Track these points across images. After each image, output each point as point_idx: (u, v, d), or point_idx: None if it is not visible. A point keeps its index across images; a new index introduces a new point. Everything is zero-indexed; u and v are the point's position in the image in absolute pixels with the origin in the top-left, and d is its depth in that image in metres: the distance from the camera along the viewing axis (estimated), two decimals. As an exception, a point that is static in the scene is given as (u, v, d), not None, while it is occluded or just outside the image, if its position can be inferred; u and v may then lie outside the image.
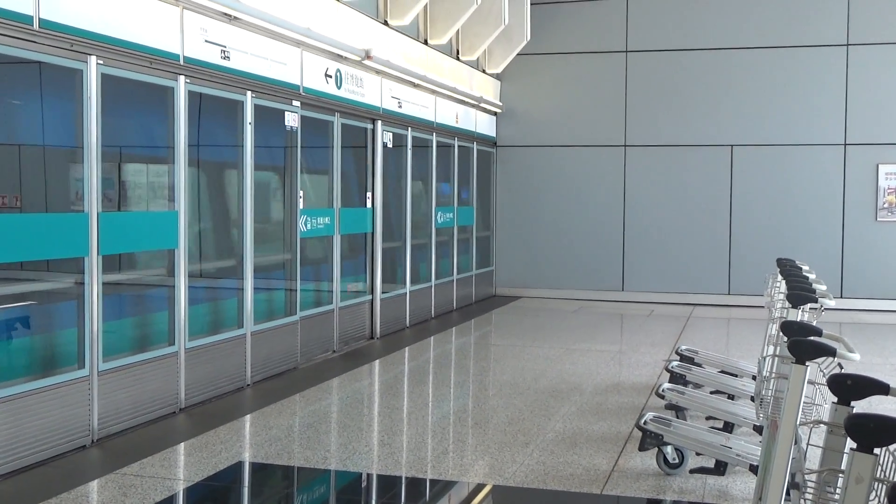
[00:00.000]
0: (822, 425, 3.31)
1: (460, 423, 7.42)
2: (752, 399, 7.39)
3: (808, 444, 3.73)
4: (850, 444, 2.58)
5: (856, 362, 3.97)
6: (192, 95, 7.53)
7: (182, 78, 7.38)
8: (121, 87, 6.82)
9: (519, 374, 9.25)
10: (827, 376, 3.28)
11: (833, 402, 3.08)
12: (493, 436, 6.85)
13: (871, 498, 2.51)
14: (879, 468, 2.54)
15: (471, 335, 12.41)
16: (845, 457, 2.87)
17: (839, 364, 3.78)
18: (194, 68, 7.49)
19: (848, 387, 2.95)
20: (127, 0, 6.70)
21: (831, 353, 3.66)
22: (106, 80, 6.49)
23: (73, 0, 6.17)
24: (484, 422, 7.37)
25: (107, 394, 6.54)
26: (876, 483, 2.50)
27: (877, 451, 2.52)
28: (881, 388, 2.94)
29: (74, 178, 6.49)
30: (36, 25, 5.83)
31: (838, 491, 2.84)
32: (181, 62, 7.33)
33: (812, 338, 3.83)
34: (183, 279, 7.45)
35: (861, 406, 2.99)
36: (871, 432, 2.45)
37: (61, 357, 6.57)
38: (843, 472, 2.72)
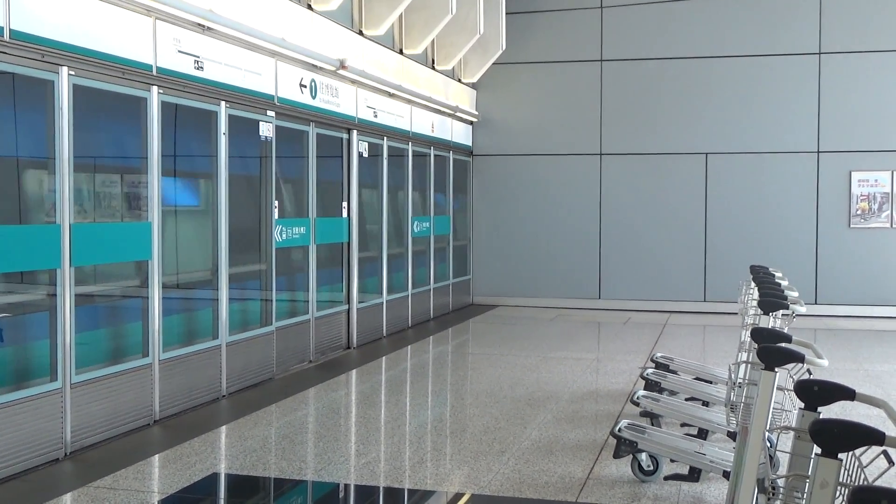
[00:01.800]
0: (790, 431, 3.33)
1: (437, 432, 7.42)
2: (725, 405, 7.44)
3: (776, 449, 3.76)
4: (816, 449, 2.61)
5: (825, 368, 4.01)
6: (165, 106, 7.50)
7: (155, 88, 7.36)
8: (93, 98, 6.79)
9: (496, 382, 9.26)
10: (795, 382, 3.31)
11: (800, 408, 3.11)
12: (470, 445, 6.85)
13: (836, 502, 2.54)
14: (844, 473, 2.56)
15: (448, 344, 12.41)
16: (812, 462, 2.90)
17: (808, 370, 3.82)
18: (167, 79, 7.47)
19: (814, 392, 2.98)
20: (99, 10, 6.68)
21: (800, 359, 3.69)
22: (78, 90, 6.46)
23: (44, 11, 6.14)
24: (460, 431, 7.37)
25: (80, 406, 6.50)
26: (841, 487, 2.52)
27: (841, 455, 2.54)
28: (847, 394, 2.96)
29: (47, 190, 6.45)
30: (6, 36, 5.80)
31: (805, 496, 2.87)
32: (154, 73, 7.31)
33: (781, 344, 3.86)
34: (157, 290, 7.42)
35: (831, 411, 3.02)
36: (835, 437, 2.47)
37: (33, 369, 6.52)
38: (809, 476, 2.74)
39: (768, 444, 4.08)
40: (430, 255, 14.22)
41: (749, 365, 4.80)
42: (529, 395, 8.65)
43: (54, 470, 6.14)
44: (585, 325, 14.05)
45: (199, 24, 7.87)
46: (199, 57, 7.90)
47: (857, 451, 2.58)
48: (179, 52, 7.63)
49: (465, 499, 5.67)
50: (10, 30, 5.82)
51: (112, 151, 7.82)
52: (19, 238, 6.08)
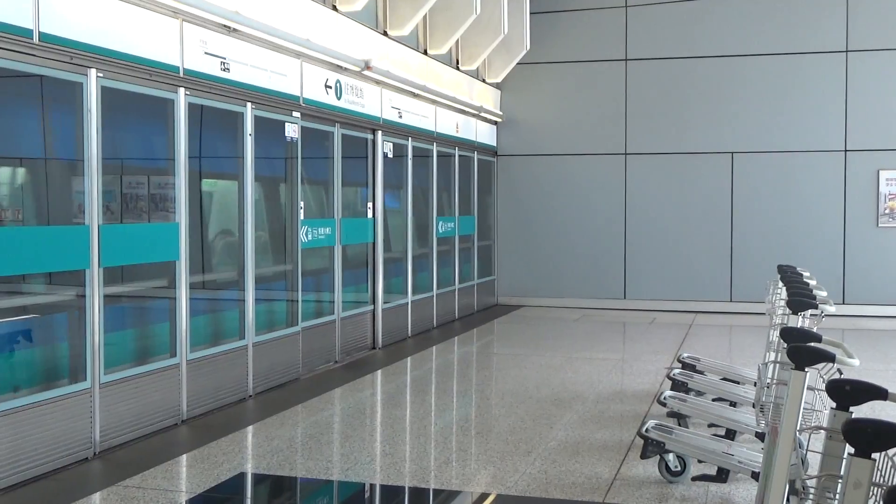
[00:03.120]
0: (821, 431, 3.31)
1: (463, 432, 7.42)
2: (754, 406, 7.40)
3: (807, 449, 3.73)
4: (849, 449, 2.58)
5: (855, 368, 3.98)
6: (192, 107, 7.55)
7: (182, 90, 7.40)
8: (121, 100, 6.84)
9: (521, 382, 9.25)
10: (826, 382, 3.28)
11: (831, 408, 3.08)
12: (496, 445, 6.85)
13: (870, 502, 2.51)
14: (877, 473, 2.54)
15: (473, 344, 12.41)
16: (844, 462, 2.88)
17: (838, 370, 3.78)
18: (194, 80, 7.52)
19: (846, 392, 2.96)
20: (126, 13, 6.73)
21: (830, 358, 3.66)
22: (106, 92, 6.51)
23: (72, 13, 6.20)
24: (486, 431, 7.37)
25: (109, 406, 6.55)
26: (874, 488, 2.50)
27: (874, 455, 2.52)
28: (879, 394, 2.94)
29: (75, 191, 6.50)
30: (36, 39, 5.85)
31: (837, 496, 2.84)
32: (181, 74, 7.36)
33: (811, 344, 3.83)
34: (184, 291, 7.46)
35: (861, 411, 2.99)
36: (868, 437, 2.45)
37: (63, 369, 6.58)
38: (842, 477, 2.72)
39: (798, 445, 4.05)
40: (455, 256, 14.22)
41: (778, 365, 4.77)
42: (555, 395, 8.64)
43: (83, 469, 6.19)
44: (611, 326, 14.00)
45: (226, 26, 7.91)
46: (225, 58, 7.94)
47: (891, 452, 2.56)
48: (206, 53, 7.68)
49: (490, 499, 5.67)
50: (39, 32, 5.87)
51: (140, 153, 7.88)
52: (49, 239, 6.14)
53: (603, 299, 15.76)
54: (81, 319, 6.41)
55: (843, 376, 3.46)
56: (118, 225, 6.94)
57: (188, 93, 7.47)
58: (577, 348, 11.56)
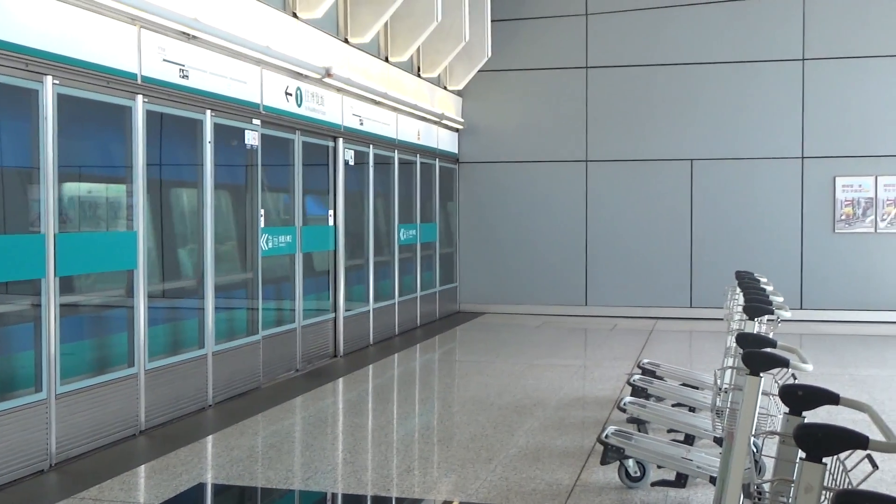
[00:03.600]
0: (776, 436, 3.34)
1: (424, 440, 7.41)
2: (711, 411, 7.46)
3: (762, 454, 3.77)
4: (801, 453, 2.62)
5: (810, 373, 4.03)
6: (150, 115, 7.49)
7: (140, 97, 7.34)
8: (78, 107, 6.77)
9: (483, 389, 9.26)
10: (780, 387, 3.32)
11: (784, 413, 3.12)
12: (457, 452, 6.85)
13: (821, 507, 2.55)
14: (829, 477, 2.57)
15: (435, 352, 12.41)
16: (797, 466, 2.91)
17: (793, 375, 3.83)
18: (152, 87, 7.46)
19: (799, 397, 2.99)
20: (83, 19, 6.66)
21: (784, 363, 3.71)
22: (62, 100, 6.44)
23: (28, 19, 6.12)
24: (448, 438, 7.37)
25: (65, 417, 6.46)
26: (825, 492, 2.53)
27: (826, 459, 2.55)
28: (831, 398, 2.98)
29: (31, 199, 6.42)
30: (-10, 46, 5.78)
31: (790, 500, 2.88)
32: (139, 81, 7.30)
33: (766, 349, 3.87)
34: (142, 299, 7.39)
35: (816, 416, 3.03)
36: (819, 442, 2.49)
37: (18, 380, 6.48)
38: (794, 481, 2.75)
39: (754, 449, 4.09)
40: (417, 263, 14.22)
41: (734, 370, 4.82)
42: (517, 402, 8.65)
43: (39, 481, 6.10)
44: (572, 332, 14.07)
45: (184, 33, 7.86)
46: (184, 65, 7.88)
47: (842, 456, 2.59)
48: (164, 60, 7.62)
49: (452, 506, 5.67)
50: (-7, 39, 5.80)
51: (97, 160, 7.79)
52: (3, 248, 6.05)
53: (564, 306, 15.83)
54: (37, 329, 6.32)
55: (797, 381, 3.50)
56: (75, 234, 6.86)
57: (146, 100, 7.41)
58: (539, 355, 11.60)
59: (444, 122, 15.26)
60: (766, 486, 3.19)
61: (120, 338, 7.46)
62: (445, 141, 15.63)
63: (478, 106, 16.26)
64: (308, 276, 10.55)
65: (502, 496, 5.78)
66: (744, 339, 4.17)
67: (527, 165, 16.03)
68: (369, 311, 12.30)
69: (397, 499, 5.87)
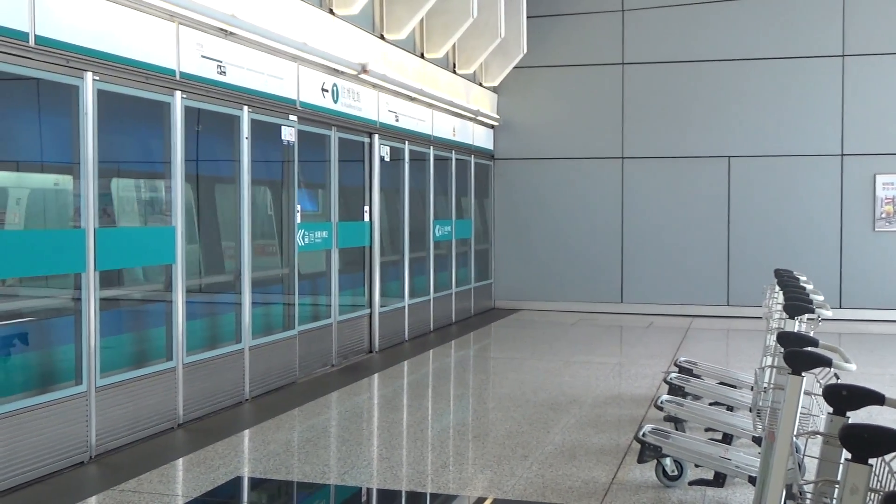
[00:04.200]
0: (818, 436, 3.30)
1: (459, 436, 7.41)
2: (751, 410, 7.39)
3: (804, 454, 3.72)
4: (846, 454, 2.58)
5: (852, 372, 3.97)
6: (188, 111, 7.54)
7: (178, 93, 7.39)
8: (117, 103, 6.83)
9: (518, 386, 9.24)
10: (823, 387, 3.28)
11: (828, 413, 3.08)
12: (493, 449, 6.84)
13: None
14: (874, 478, 2.53)
15: (470, 348, 12.40)
16: (841, 467, 2.87)
17: (835, 374, 3.78)
18: (190, 83, 7.51)
19: (843, 397, 2.95)
20: (123, 16, 6.72)
21: (827, 363, 3.66)
22: (102, 95, 6.50)
23: (68, 16, 6.18)
24: (483, 435, 7.36)
25: (105, 410, 6.53)
26: (871, 493, 2.49)
27: (871, 461, 2.51)
28: (876, 399, 2.93)
29: (72, 194, 6.49)
30: (32, 42, 5.84)
31: (835, 501, 2.84)
32: (177, 77, 7.35)
33: (808, 348, 3.82)
34: (180, 294, 7.45)
35: (859, 416, 2.99)
36: (865, 443, 2.45)
37: (59, 373, 6.56)
38: (838, 482, 2.71)
39: (795, 450, 4.04)
40: (452, 259, 14.22)
41: (775, 369, 4.76)
42: (552, 399, 8.63)
43: (79, 473, 6.17)
44: (608, 329, 14.00)
45: (222, 29, 7.91)
46: (221, 62, 7.93)
47: (888, 457, 2.56)
48: (202, 56, 7.67)
49: (487, 503, 5.66)
50: (35, 35, 5.86)
51: (136, 156, 7.87)
52: (45, 242, 6.12)
53: (600, 303, 15.76)
54: (77, 323, 6.39)
55: (839, 381, 3.46)
56: (114, 228, 6.93)
57: (185, 96, 7.46)
58: (575, 352, 11.56)
59: (480, 118, 15.24)
60: (808, 487, 3.15)
61: (158, 332, 7.52)
62: (481, 137, 15.61)
63: (513, 102, 16.22)
64: (344, 272, 10.58)
65: (538, 493, 5.76)
66: (785, 338, 4.12)
67: (562, 162, 15.97)
68: (405, 307, 12.32)
69: (432, 494, 5.87)
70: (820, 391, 3.47)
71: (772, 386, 4.74)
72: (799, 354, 3.67)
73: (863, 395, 2.93)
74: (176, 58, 7.32)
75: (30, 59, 5.86)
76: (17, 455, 5.76)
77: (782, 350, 4.03)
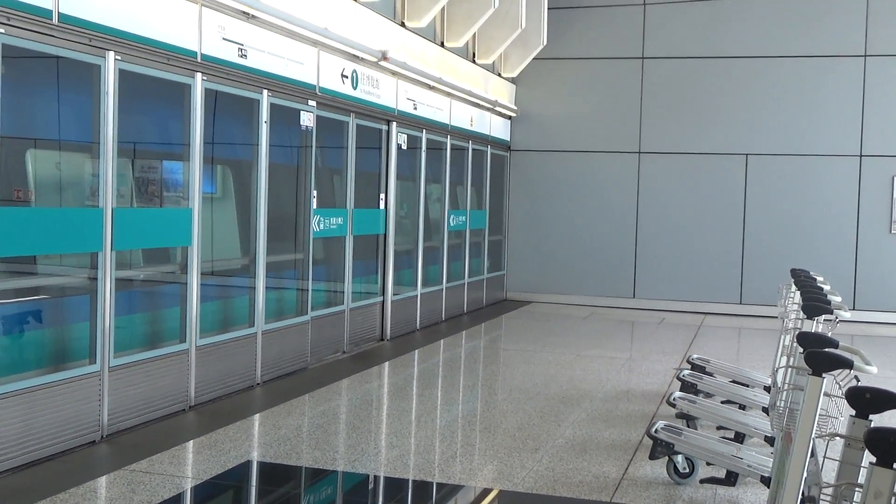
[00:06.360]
0: (837, 438, 3.28)
1: (469, 427, 7.40)
2: (764, 409, 7.36)
3: (825, 456, 3.70)
4: (869, 458, 2.55)
5: (872, 375, 3.94)
6: (208, 93, 7.53)
7: (199, 75, 7.38)
8: (138, 84, 6.82)
9: (529, 379, 9.23)
10: (843, 389, 3.25)
11: (850, 416, 3.05)
12: (502, 441, 6.83)
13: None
14: (898, 483, 2.51)
15: (481, 339, 12.39)
16: (863, 471, 2.84)
17: (855, 377, 3.75)
18: (211, 66, 7.49)
19: (867, 400, 2.92)
20: (146, -4, 6.71)
21: (848, 365, 3.62)
22: (123, 75, 6.49)
23: (92, -5, 6.17)
24: (493, 426, 7.35)
25: (117, 389, 6.54)
26: (895, 498, 2.47)
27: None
28: (900, 402, 2.90)
29: (90, 174, 6.49)
30: (55, 20, 5.83)
31: (855, 505, 2.82)
32: (198, 59, 7.34)
33: (829, 349, 3.79)
34: (196, 276, 7.45)
35: (879, 420, 2.96)
36: (891, 447, 2.42)
37: (73, 352, 6.58)
38: (860, 486, 2.69)
39: (811, 452, 4.01)
40: (466, 250, 14.20)
41: (793, 370, 4.73)
42: (563, 392, 8.61)
43: (91, 452, 6.18)
44: (620, 324, 13.97)
45: (244, 12, 7.89)
46: (242, 45, 7.91)
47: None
48: (224, 39, 7.65)
49: (494, 494, 5.65)
50: (58, 13, 5.85)
51: (155, 137, 7.86)
52: (62, 221, 6.13)
53: (612, 297, 15.72)
54: (93, 302, 6.40)
55: (859, 384, 3.42)
56: (132, 209, 6.93)
57: (205, 78, 7.45)
58: (586, 346, 11.53)
59: (498, 108, 15.19)
60: (827, 490, 3.13)
61: (173, 313, 7.53)
62: (498, 128, 15.57)
63: (531, 94, 16.17)
64: (357, 259, 10.57)
65: (549, 487, 5.75)
66: (805, 339, 4.08)
67: (579, 155, 15.91)
68: (417, 295, 12.31)
69: (440, 484, 5.86)
70: (839, 393, 3.44)
71: (789, 386, 4.71)
72: (820, 355, 3.63)
73: (887, 399, 2.91)
74: (198, 39, 7.31)
75: (53, 36, 5.85)
76: (30, 432, 5.78)
77: (801, 350, 4.00)
